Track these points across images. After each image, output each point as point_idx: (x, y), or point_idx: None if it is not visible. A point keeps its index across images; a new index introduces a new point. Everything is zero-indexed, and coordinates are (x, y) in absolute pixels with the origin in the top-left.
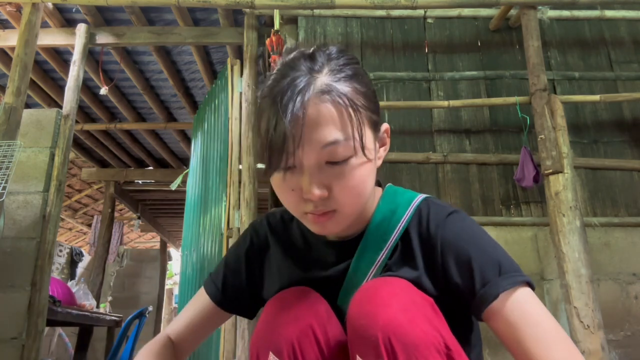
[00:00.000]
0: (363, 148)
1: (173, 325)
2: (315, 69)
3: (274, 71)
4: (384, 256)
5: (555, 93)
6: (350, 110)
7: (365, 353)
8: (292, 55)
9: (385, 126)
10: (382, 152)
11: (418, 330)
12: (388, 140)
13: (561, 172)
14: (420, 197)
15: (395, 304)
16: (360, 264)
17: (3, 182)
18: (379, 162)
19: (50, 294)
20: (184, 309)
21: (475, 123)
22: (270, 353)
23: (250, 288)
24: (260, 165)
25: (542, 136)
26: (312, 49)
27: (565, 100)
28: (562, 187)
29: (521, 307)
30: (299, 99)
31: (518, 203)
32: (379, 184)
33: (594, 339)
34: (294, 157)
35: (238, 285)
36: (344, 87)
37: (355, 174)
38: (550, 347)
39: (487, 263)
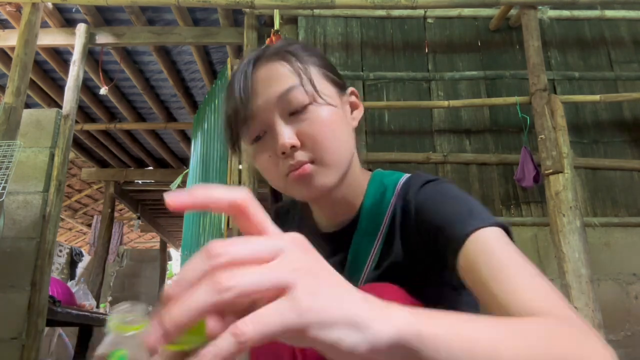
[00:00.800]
0: (316, 90)
1: None
2: (264, 49)
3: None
4: (379, 242)
5: (555, 93)
6: (299, 63)
7: None
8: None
9: (351, 89)
10: (357, 113)
11: None
12: (359, 103)
13: (561, 172)
14: (407, 175)
15: None
16: (357, 254)
17: (3, 182)
18: (355, 123)
19: (50, 294)
20: None
21: (476, 123)
22: None
23: None
24: (234, 147)
25: (542, 136)
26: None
27: (566, 100)
28: (562, 187)
29: (495, 244)
30: (247, 69)
31: (518, 203)
32: (369, 170)
33: None
34: (257, 120)
35: None
36: (292, 49)
37: (321, 118)
38: (529, 283)
39: (457, 210)
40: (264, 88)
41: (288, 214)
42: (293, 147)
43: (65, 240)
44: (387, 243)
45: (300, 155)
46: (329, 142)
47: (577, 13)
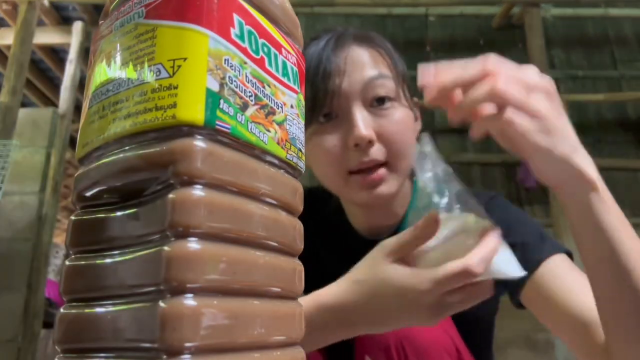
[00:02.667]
0: (404, 90)
1: None
2: (344, 30)
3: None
4: None
5: (558, 92)
6: (389, 57)
7: (375, 354)
8: (309, 40)
9: (415, 99)
10: (417, 125)
11: (429, 334)
12: (419, 117)
13: None
14: None
15: None
16: None
17: None
18: (416, 130)
19: (47, 296)
20: None
21: None
22: None
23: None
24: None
25: None
26: None
27: (569, 99)
28: None
29: (567, 272)
30: (333, 45)
31: (522, 204)
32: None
33: None
34: (338, 98)
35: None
36: (381, 41)
37: (400, 118)
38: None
39: (529, 235)
40: (353, 68)
41: (325, 203)
42: (369, 142)
43: (62, 242)
44: None
45: (375, 153)
46: (404, 146)
47: (580, 11)
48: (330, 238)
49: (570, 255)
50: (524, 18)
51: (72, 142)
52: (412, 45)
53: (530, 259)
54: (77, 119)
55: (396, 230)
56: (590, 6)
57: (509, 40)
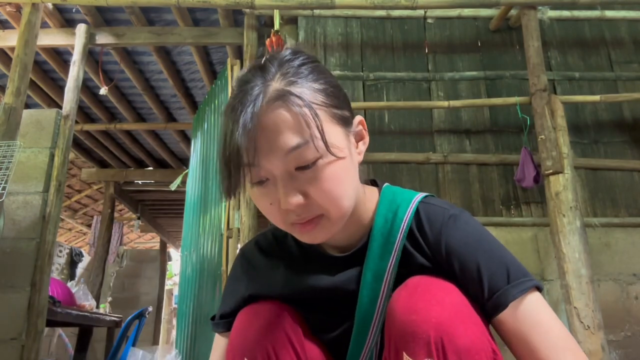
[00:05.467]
0: (327, 146)
1: None
2: (268, 77)
3: (232, 91)
4: (394, 259)
5: (555, 93)
6: (306, 110)
7: (414, 350)
8: (246, 70)
9: (358, 119)
10: (362, 146)
11: (470, 333)
12: (366, 133)
13: (561, 172)
14: (419, 196)
15: (448, 303)
16: (373, 269)
17: (3, 182)
18: (360, 157)
19: (50, 294)
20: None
21: (476, 123)
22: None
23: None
24: (228, 193)
25: (542, 136)
26: (264, 58)
27: (566, 101)
28: (563, 187)
29: (531, 316)
30: (249, 110)
31: (518, 203)
32: (375, 183)
33: (594, 340)
34: (259, 169)
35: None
36: (297, 89)
37: (329, 174)
38: (559, 355)
39: (494, 269)
40: (269, 140)
41: (286, 236)
42: (298, 206)
43: (65, 241)
44: (404, 262)
45: (306, 212)
46: (335, 199)
47: (577, 13)
48: (303, 266)
49: (539, 287)
50: (521, 20)
51: (75, 142)
52: (411, 47)
53: (496, 303)
54: (80, 120)
55: (366, 242)
56: (586, 8)
57: (506, 42)
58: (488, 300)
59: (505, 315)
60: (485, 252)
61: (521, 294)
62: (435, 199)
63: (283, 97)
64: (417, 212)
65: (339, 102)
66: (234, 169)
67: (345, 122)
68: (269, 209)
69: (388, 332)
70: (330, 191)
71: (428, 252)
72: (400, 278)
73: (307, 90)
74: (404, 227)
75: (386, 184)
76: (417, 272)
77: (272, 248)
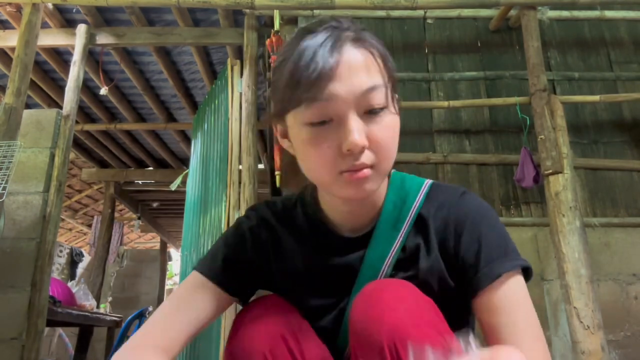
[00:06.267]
0: (394, 98)
1: (162, 336)
2: (341, 27)
3: (293, 39)
4: (398, 244)
5: (555, 93)
6: (382, 61)
7: (370, 358)
8: (302, 28)
9: (397, 96)
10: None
11: (424, 336)
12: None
13: (561, 172)
14: (428, 181)
15: (401, 307)
16: (376, 252)
17: (3, 182)
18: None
19: (50, 294)
20: (170, 310)
21: (475, 123)
22: None
23: (255, 270)
24: (284, 111)
25: (542, 136)
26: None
27: (565, 101)
28: (562, 187)
29: (513, 295)
30: (331, 40)
31: (518, 203)
32: None
33: (593, 340)
34: (333, 104)
35: (242, 265)
36: (373, 41)
37: (390, 125)
38: (530, 342)
39: (494, 241)
40: (348, 75)
41: (295, 209)
42: (362, 149)
43: (66, 241)
44: (405, 247)
45: (365, 158)
46: (390, 152)
47: (576, 13)
48: (312, 241)
49: (528, 269)
50: (520, 20)
51: (75, 142)
52: (411, 47)
53: (489, 271)
54: (80, 120)
55: (375, 225)
56: (586, 8)
57: (506, 43)
58: (482, 269)
59: (492, 287)
60: (489, 224)
61: (514, 269)
62: (444, 183)
63: (365, 41)
64: (429, 194)
65: (394, 69)
66: (316, 88)
67: (396, 89)
68: (320, 156)
69: (350, 340)
70: (388, 141)
71: (431, 231)
72: (400, 264)
73: (380, 46)
74: (413, 212)
75: (393, 169)
76: (412, 259)
77: (282, 217)
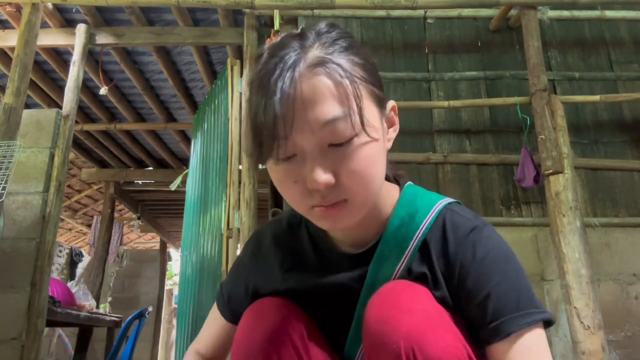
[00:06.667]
0: (364, 124)
1: (200, 341)
2: (307, 44)
3: (262, 58)
4: (403, 265)
5: (555, 93)
6: (347, 81)
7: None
8: (279, 38)
9: (391, 104)
10: (392, 133)
11: (442, 341)
12: (397, 120)
13: (561, 172)
14: (443, 202)
15: (419, 310)
16: (378, 273)
17: (3, 182)
18: (389, 145)
19: (50, 294)
20: (207, 323)
21: (476, 123)
22: None
23: (260, 295)
24: (257, 163)
25: (542, 136)
26: (300, 28)
27: (566, 101)
28: (563, 187)
29: (529, 354)
30: (288, 75)
31: (518, 203)
32: (396, 181)
33: (594, 340)
34: (291, 142)
35: (242, 299)
36: (338, 59)
37: (362, 155)
38: None
39: (505, 294)
40: (306, 109)
41: (300, 227)
42: (327, 186)
43: (65, 241)
44: (410, 270)
45: (333, 194)
46: (365, 183)
47: (577, 13)
48: (314, 258)
49: (548, 321)
50: (521, 20)
51: (75, 142)
52: (411, 47)
53: (497, 329)
54: (80, 120)
55: (379, 239)
56: (586, 8)
57: (506, 42)
58: (491, 325)
59: (503, 345)
60: (501, 273)
61: (526, 327)
62: (460, 207)
63: (325, 64)
64: (437, 220)
65: (376, 81)
66: (266, 139)
67: (381, 104)
68: (291, 189)
69: (364, 342)
70: (361, 173)
71: (436, 266)
72: None
73: (347, 62)
74: (420, 234)
75: (409, 182)
76: (420, 282)
77: (285, 237)
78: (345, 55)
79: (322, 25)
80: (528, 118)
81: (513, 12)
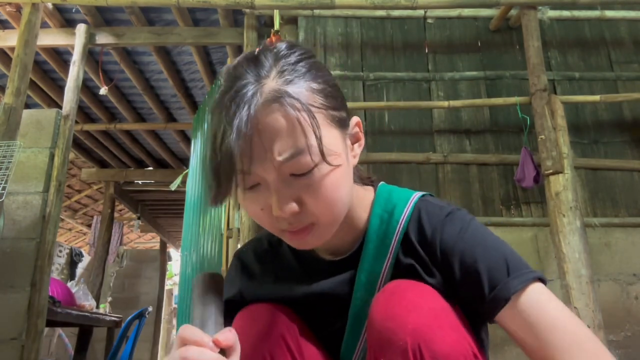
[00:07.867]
0: (324, 156)
1: None
2: (262, 74)
3: (220, 87)
4: (389, 261)
5: (555, 93)
6: (304, 115)
7: (391, 358)
8: (236, 62)
9: (355, 120)
10: (357, 148)
11: (448, 338)
12: (362, 135)
13: (561, 172)
14: (417, 195)
15: (425, 307)
16: (366, 273)
17: (3, 182)
18: (355, 160)
19: (50, 294)
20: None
21: (476, 123)
22: None
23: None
24: (215, 201)
25: (542, 136)
26: (257, 50)
27: (566, 101)
28: (563, 187)
29: (536, 308)
30: (244, 112)
31: (518, 203)
32: (371, 182)
33: None
34: (252, 175)
35: (238, 304)
36: (295, 89)
37: (325, 182)
38: (573, 350)
39: (493, 263)
40: (264, 146)
41: (281, 243)
42: (292, 213)
43: (65, 241)
44: (398, 264)
45: (300, 220)
46: (331, 206)
47: (577, 13)
48: (298, 271)
49: (542, 279)
50: (521, 20)
51: (75, 142)
52: (411, 47)
53: (497, 298)
54: (80, 120)
55: (362, 243)
56: (586, 8)
57: (506, 42)
58: (489, 295)
59: (508, 311)
60: (482, 246)
61: (523, 285)
62: (433, 197)
63: (280, 98)
64: (414, 212)
65: (337, 103)
66: (224, 176)
67: (343, 125)
68: (259, 215)
69: (368, 339)
70: (326, 199)
71: (423, 256)
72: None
73: (305, 92)
74: (400, 227)
75: (382, 182)
76: (410, 275)
77: (267, 255)
78: (304, 82)
79: (282, 47)
80: (528, 118)
81: (513, 12)
